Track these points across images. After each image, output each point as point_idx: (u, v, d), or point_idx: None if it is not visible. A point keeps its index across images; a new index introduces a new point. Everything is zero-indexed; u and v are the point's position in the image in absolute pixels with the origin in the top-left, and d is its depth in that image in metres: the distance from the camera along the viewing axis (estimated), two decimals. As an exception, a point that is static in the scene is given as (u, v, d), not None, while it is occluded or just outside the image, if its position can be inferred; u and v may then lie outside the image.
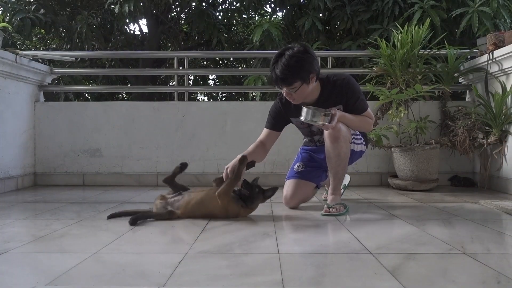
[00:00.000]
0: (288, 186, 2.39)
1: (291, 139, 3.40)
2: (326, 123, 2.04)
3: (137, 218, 1.97)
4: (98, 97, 7.74)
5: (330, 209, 2.15)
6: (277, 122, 2.37)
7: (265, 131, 2.38)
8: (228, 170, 2.14)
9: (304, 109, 2.05)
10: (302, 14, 5.35)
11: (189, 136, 3.59)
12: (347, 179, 2.74)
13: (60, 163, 3.59)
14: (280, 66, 2.05)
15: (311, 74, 2.09)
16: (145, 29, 8.02)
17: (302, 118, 2.07)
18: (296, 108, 2.21)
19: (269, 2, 6.15)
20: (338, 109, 2.18)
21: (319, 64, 2.18)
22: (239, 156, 2.12)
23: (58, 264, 1.35)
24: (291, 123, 2.42)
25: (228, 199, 2.03)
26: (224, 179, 2.12)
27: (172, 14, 7.68)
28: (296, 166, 2.46)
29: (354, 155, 2.34)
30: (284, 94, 2.19)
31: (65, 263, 1.35)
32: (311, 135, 2.47)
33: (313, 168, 2.43)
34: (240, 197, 2.07)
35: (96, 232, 1.82)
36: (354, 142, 2.30)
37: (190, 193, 2.13)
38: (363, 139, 2.41)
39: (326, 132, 2.14)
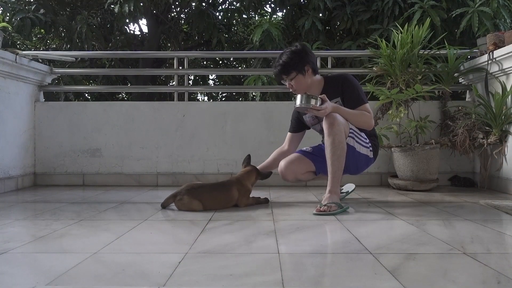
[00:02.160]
0: (288, 156, 2.54)
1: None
2: (317, 105, 2.19)
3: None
4: (98, 97, 7.74)
5: (321, 208, 2.15)
6: (295, 124, 2.66)
7: (287, 135, 2.70)
8: None
9: (298, 96, 2.25)
10: (302, 14, 5.36)
11: (189, 136, 3.59)
12: (351, 188, 2.77)
13: (60, 163, 3.59)
14: (281, 60, 2.40)
15: (305, 66, 2.39)
16: (145, 29, 8.04)
17: (297, 104, 2.24)
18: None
19: (269, 2, 6.15)
20: (336, 102, 2.36)
21: (316, 59, 2.56)
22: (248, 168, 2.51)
23: (58, 264, 1.35)
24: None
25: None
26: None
27: (172, 14, 7.69)
28: (304, 148, 2.60)
29: (358, 158, 2.34)
30: (287, 86, 2.45)
31: (65, 263, 1.35)
32: (322, 133, 2.53)
33: (320, 156, 2.45)
34: None
35: (96, 232, 1.82)
36: (354, 140, 2.30)
37: None
38: (370, 144, 2.42)
39: (323, 121, 2.25)
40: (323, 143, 2.52)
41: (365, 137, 2.39)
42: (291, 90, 2.46)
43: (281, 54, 2.45)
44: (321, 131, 2.54)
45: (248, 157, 2.58)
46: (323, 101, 2.21)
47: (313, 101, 2.20)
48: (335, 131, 2.19)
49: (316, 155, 2.50)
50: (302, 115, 2.57)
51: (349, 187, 2.79)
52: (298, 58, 2.38)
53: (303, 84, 2.41)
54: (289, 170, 2.48)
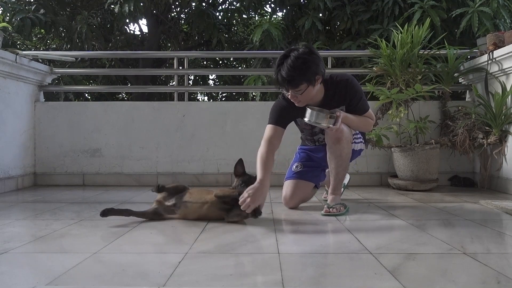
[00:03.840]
0: (287, 186, 2.39)
1: (291, 139, 3.38)
2: (331, 125, 2.02)
3: (111, 212, 2.00)
4: (98, 97, 7.75)
5: (330, 209, 2.15)
6: (282, 117, 2.20)
7: (270, 128, 2.18)
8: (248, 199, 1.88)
9: (308, 111, 2.01)
10: (302, 14, 5.36)
11: (189, 136, 3.59)
12: (346, 178, 2.74)
13: (60, 163, 3.59)
14: (286, 68, 1.98)
15: (316, 76, 2.03)
16: (145, 29, 8.04)
17: (306, 119, 2.03)
18: (301, 109, 2.14)
19: (269, 2, 6.15)
20: (340, 109, 2.16)
21: (324, 65, 2.15)
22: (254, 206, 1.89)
23: (58, 264, 1.35)
24: (292, 122, 2.35)
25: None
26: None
27: (172, 14, 7.69)
28: (294, 166, 2.46)
29: (354, 154, 2.34)
30: (288, 97, 2.11)
31: (65, 263, 1.35)
32: (312, 135, 2.47)
33: (312, 168, 2.43)
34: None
35: (96, 232, 1.82)
36: (354, 142, 2.31)
37: (187, 203, 2.03)
38: (362, 137, 2.41)
39: (328, 132, 2.13)
40: (314, 141, 2.47)
41: (358, 131, 2.37)
42: (292, 100, 2.11)
43: (283, 57, 2.02)
44: (312, 133, 2.43)
45: (239, 162, 2.12)
46: (336, 120, 2.01)
47: (325, 121, 1.98)
48: (343, 146, 2.12)
49: (309, 168, 2.40)
50: (294, 116, 2.28)
51: (345, 179, 2.74)
52: (312, 67, 1.99)
53: (310, 96, 2.08)
54: (295, 201, 2.36)
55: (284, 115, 2.22)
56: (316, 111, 2.01)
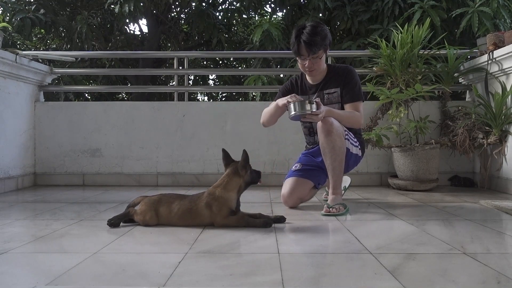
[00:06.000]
0: (286, 184, 2.41)
1: (292, 139, 3.40)
2: (314, 110, 2.07)
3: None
4: (98, 97, 7.75)
5: (330, 209, 2.15)
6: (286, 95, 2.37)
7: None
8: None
9: (291, 105, 2.11)
10: (302, 14, 5.36)
11: (189, 136, 3.59)
12: (347, 181, 2.74)
13: (60, 163, 3.59)
14: (307, 34, 2.19)
15: (328, 44, 2.27)
16: (145, 29, 8.04)
17: (292, 113, 2.10)
18: (301, 91, 2.42)
19: (269, 2, 6.15)
20: (335, 92, 2.35)
21: None
22: None
23: (58, 264, 1.35)
24: (297, 122, 2.47)
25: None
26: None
27: (172, 14, 7.69)
28: (294, 166, 2.50)
29: (350, 158, 2.33)
30: (305, 66, 2.28)
31: (65, 263, 1.35)
32: (313, 133, 2.48)
33: (311, 167, 2.43)
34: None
35: (96, 232, 1.82)
36: (349, 141, 2.30)
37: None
38: (358, 143, 2.42)
39: (319, 127, 2.18)
40: (314, 141, 2.50)
41: (353, 136, 2.39)
42: (308, 68, 2.29)
43: (299, 29, 2.23)
44: (309, 130, 2.49)
45: (225, 154, 1.99)
46: (318, 105, 2.08)
47: (308, 106, 2.06)
48: (335, 138, 2.15)
49: (309, 168, 2.43)
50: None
51: (345, 181, 2.76)
52: (328, 34, 2.25)
53: (322, 66, 2.31)
54: (294, 200, 2.38)
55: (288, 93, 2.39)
56: (297, 102, 2.10)
